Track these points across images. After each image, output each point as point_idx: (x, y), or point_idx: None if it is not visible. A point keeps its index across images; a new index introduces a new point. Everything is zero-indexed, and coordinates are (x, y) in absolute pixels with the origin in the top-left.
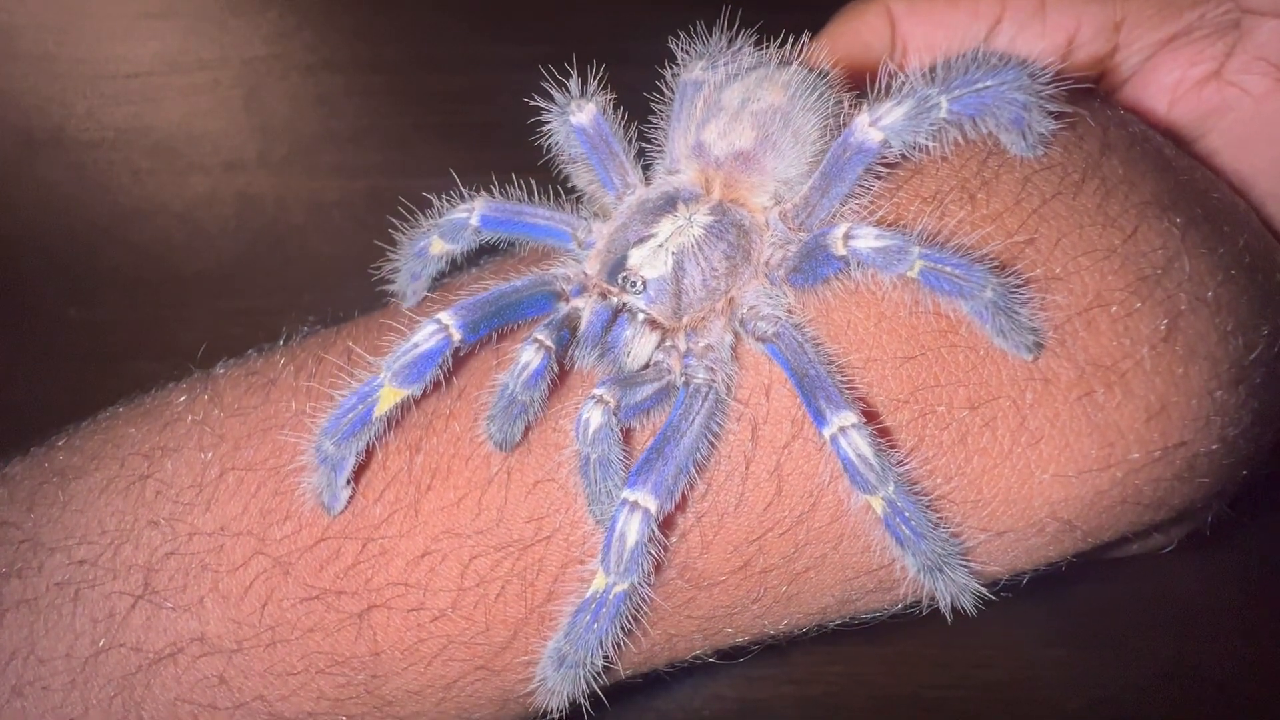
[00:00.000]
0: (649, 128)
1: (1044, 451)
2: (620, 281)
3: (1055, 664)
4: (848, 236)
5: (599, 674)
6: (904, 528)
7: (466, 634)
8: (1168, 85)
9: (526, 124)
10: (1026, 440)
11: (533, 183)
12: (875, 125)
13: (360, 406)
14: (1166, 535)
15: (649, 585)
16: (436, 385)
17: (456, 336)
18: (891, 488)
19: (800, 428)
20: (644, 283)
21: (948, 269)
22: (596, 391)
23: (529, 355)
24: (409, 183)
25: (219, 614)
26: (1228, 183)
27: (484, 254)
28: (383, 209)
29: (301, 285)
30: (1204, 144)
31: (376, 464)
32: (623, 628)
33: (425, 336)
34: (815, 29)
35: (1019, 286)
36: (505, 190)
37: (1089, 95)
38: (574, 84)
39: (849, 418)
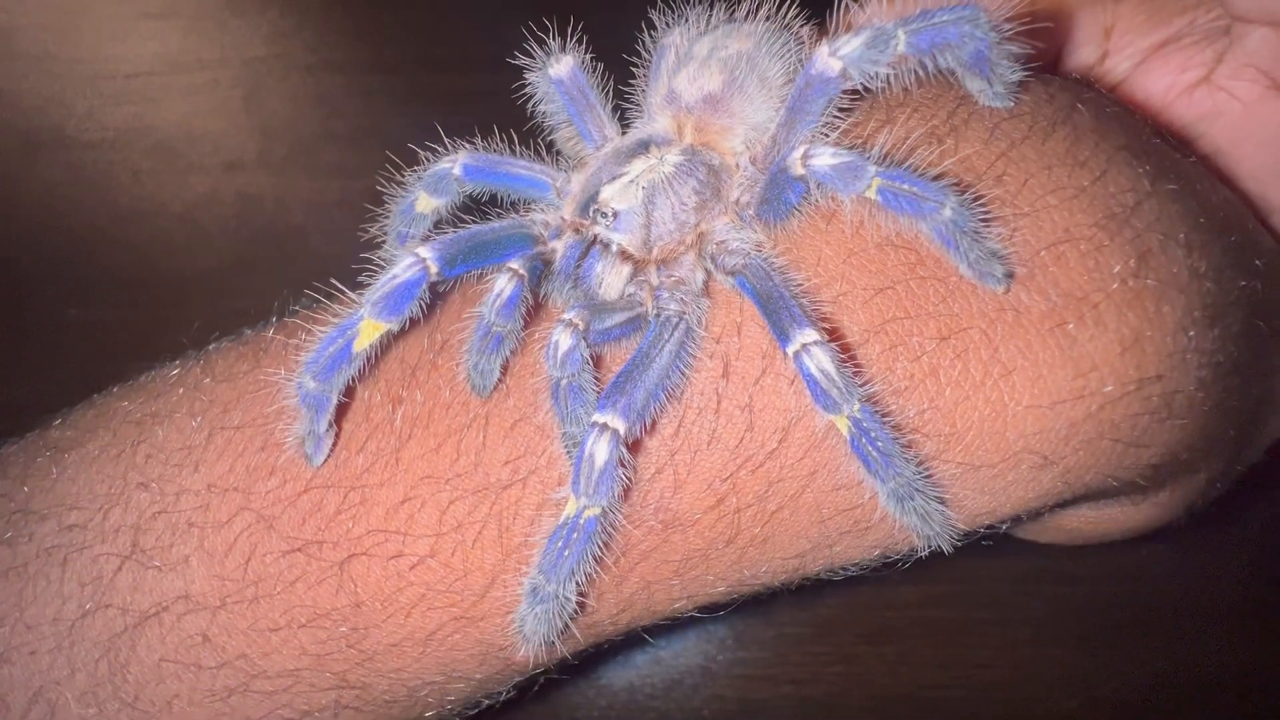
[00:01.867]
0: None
1: (1017, 382)
2: (591, 214)
3: (1055, 664)
4: (806, 156)
5: (574, 612)
6: (871, 449)
7: (445, 581)
8: (1158, 91)
9: (526, 124)
10: (999, 371)
11: (513, 135)
12: (834, 55)
13: (340, 340)
14: (1158, 500)
15: (621, 516)
16: (419, 338)
17: (434, 269)
18: (856, 406)
19: (771, 362)
20: (614, 214)
21: (905, 186)
22: (566, 316)
23: (502, 283)
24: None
25: (203, 571)
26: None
27: (471, 219)
28: (382, 209)
29: (301, 285)
30: (1194, 150)
31: (360, 416)
32: (595, 558)
33: (403, 269)
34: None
35: (980, 205)
36: (488, 141)
37: (1045, 36)
38: (553, 41)
39: (811, 334)
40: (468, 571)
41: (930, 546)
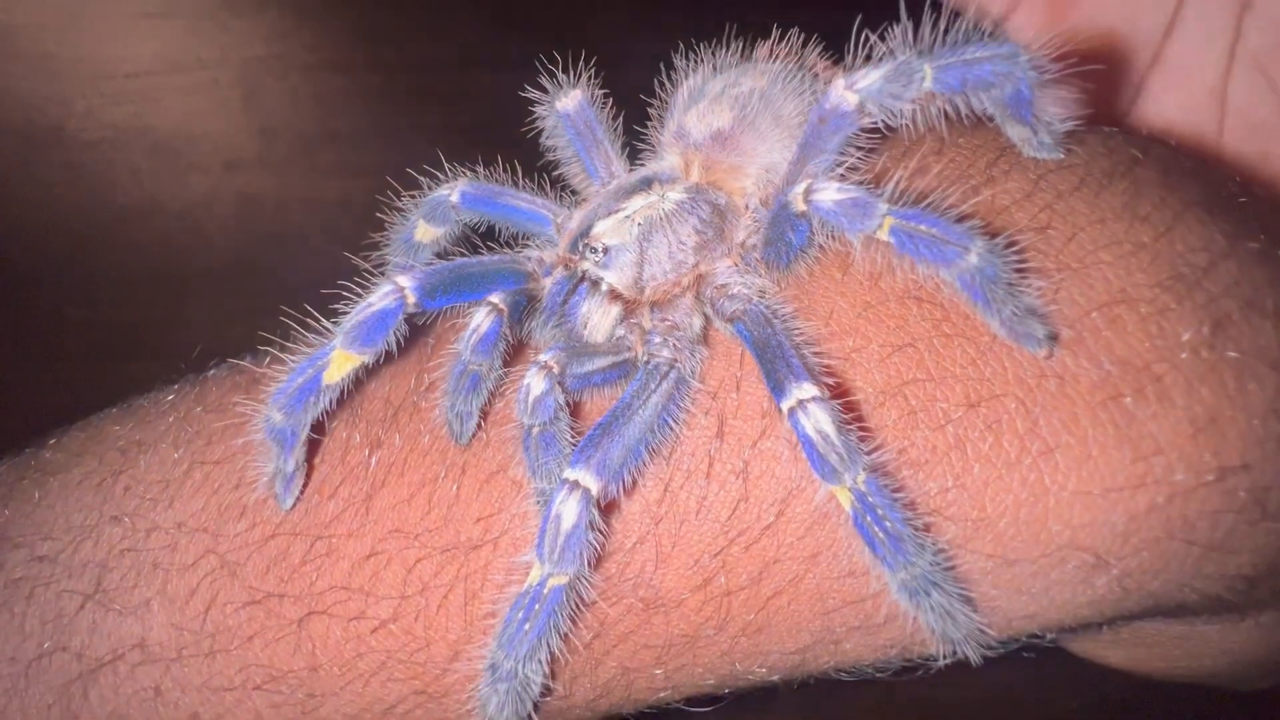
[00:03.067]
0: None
1: (1060, 462)
2: (581, 249)
3: (1056, 663)
4: (809, 191)
5: (539, 696)
6: (877, 529)
7: (406, 649)
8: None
9: (526, 124)
10: (1039, 448)
11: (516, 164)
12: (850, 88)
13: (310, 370)
14: (1251, 634)
15: (590, 586)
16: (405, 379)
17: (411, 299)
18: (860, 476)
19: (773, 423)
20: (605, 249)
21: (923, 227)
22: (541, 358)
23: (480, 318)
24: (409, 182)
25: (162, 619)
26: None
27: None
28: (382, 209)
29: (301, 285)
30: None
31: (336, 459)
32: (561, 633)
33: (379, 297)
34: (822, 30)
35: (1014, 252)
36: (490, 171)
37: (1097, 78)
38: (563, 75)
39: (809, 389)
40: (430, 641)
41: (954, 653)
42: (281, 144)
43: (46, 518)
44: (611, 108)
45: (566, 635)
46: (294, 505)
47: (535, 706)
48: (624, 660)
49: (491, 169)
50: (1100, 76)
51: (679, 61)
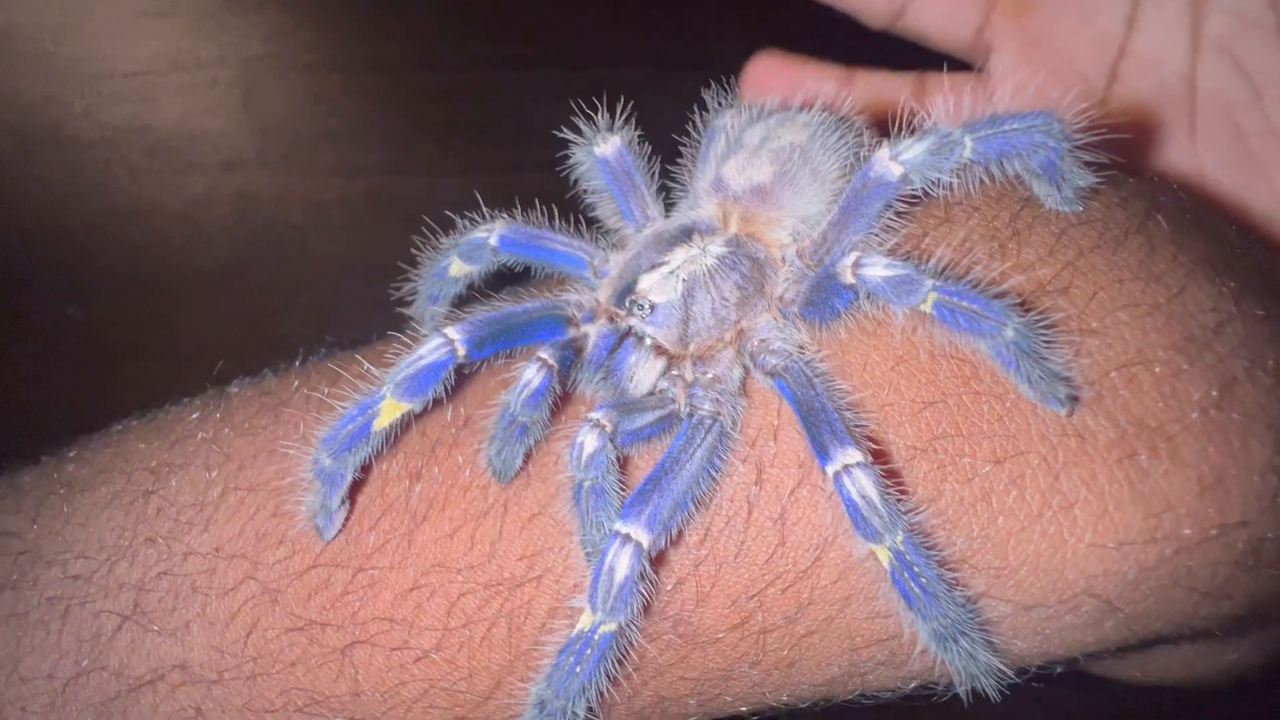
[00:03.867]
0: (653, 133)
1: (1079, 517)
2: (628, 305)
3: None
4: (857, 265)
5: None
6: (913, 585)
7: (449, 679)
8: None
9: (525, 123)
10: (1059, 503)
11: (554, 209)
12: (895, 159)
13: (360, 418)
14: (1240, 649)
15: (639, 631)
16: (441, 412)
17: (461, 351)
18: (900, 537)
19: (808, 472)
20: (651, 306)
21: (964, 303)
22: (593, 415)
23: (530, 374)
24: (409, 182)
25: (203, 641)
26: None
27: (504, 285)
28: (383, 209)
29: (301, 285)
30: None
31: (375, 490)
32: (609, 675)
33: (429, 350)
34: (808, 25)
35: (1046, 327)
36: (526, 214)
37: (1134, 170)
38: (601, 118)
39: (854, 455)
40: (473, 672)
41: (972, 689)
42: (280, 143)
43: (78, 535)
44: (641, 146)
45: (611, 676)
46: (335, 537)
47: None
48: (660, 690)
49: (528, 212)
50: (1128, 144)
51: (709, 100)
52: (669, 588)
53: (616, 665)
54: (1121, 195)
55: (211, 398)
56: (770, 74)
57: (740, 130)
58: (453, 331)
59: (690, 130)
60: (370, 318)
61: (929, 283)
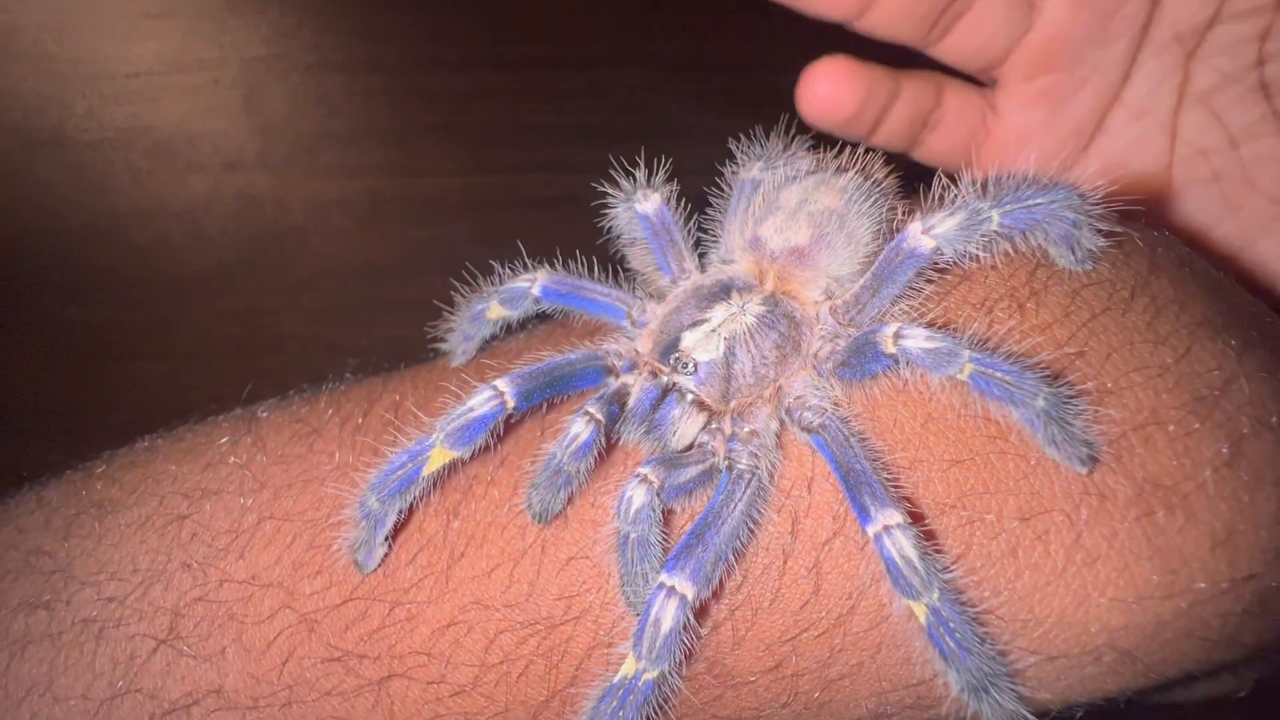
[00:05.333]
0: (653, 133)
1: (1101, 572)
2: (672, 362)
3: None
4: (898, 336)
5: None
6: (948, 640)
7: (485, 713)
8: None
9: (525, 124)
10: (1082, 559)
11: (594, 260)
12: (928, 233)
13: (410, 465)
14: (1237, 677)
15: (679, 676)
16: (482, 450)
17: (510, 404)
18: (936, 595)
19: (842, 524)
20: (695, 365)
21: (998, 374)
22: (641, 470)
23: (579, 427)
24: (409, 182)
25: (239, 667)
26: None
27: (533, 318)
28: (383, 209)
29: (301, 285)
30: (1254, 252)
31: (413, 526)
32: (647, 719)
33: (480, 402)
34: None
35: (1072, 397)
36: (567, 265)
37: (1134, 216)
38: (640, 174)
39: (894, 516)
40: (509, 707)
41: None
42: (281, 144)
43: (111, 557)
44: (678, 203)
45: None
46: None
47: None
48: None
49: (570, 263)
50: (1140, 213)
51: (737, 150)
52: (705, 631)
53: (657, 711)
54: (1125, 252)
55: (241, 420)
56: (838, 81)
57: (777, 189)
58: (502, 384)
59: (720, 182)
60: (370, 318)
61: (966, 354)
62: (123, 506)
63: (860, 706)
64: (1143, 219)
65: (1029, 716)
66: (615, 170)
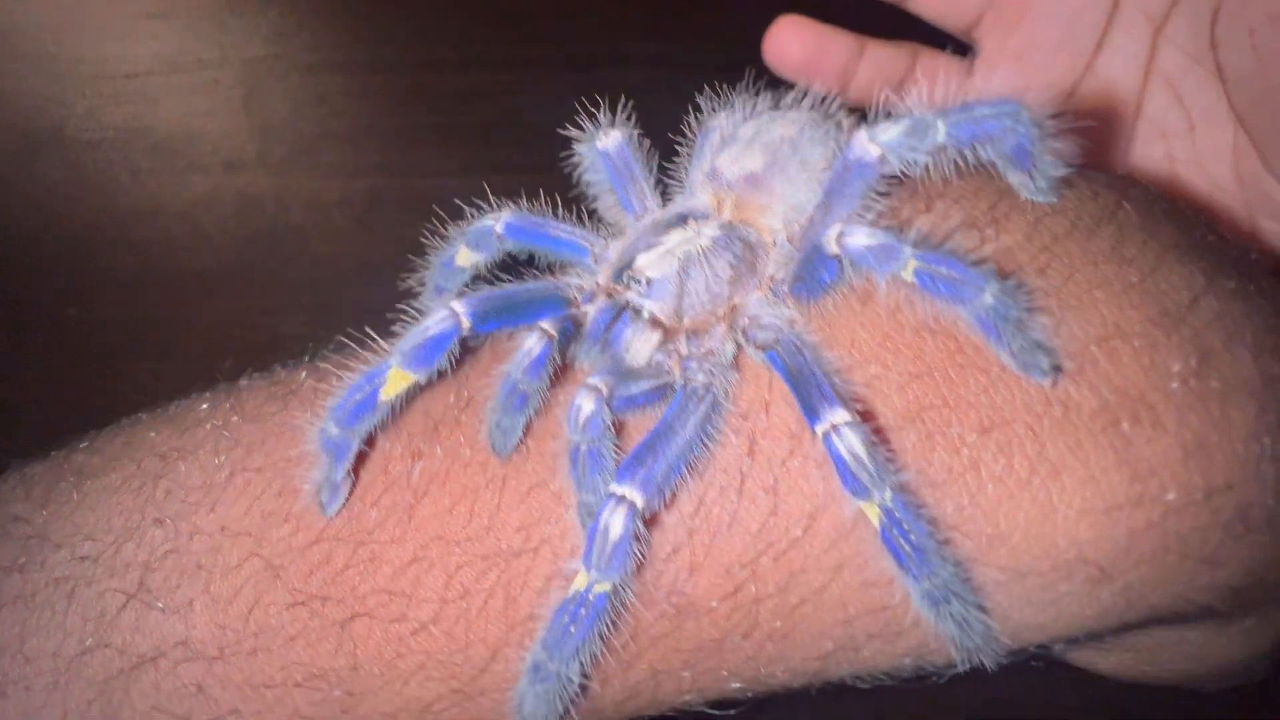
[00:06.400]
0: (652, 132)
1: (1067, 483)
2: (626, 280)
3: (1057, 664)
4: (840, 236)
5: (576, 695)
6: (902, 541)
7: (445, 650)
8: None
9: (525, 124)
10: (1047, 470)
11: (557, 198)
12: (873, 140)
13: (367, 387)
14: (1245, 638)
15: (632, 593)
16: (445, 394)
17: (465, 324)
18: (888, 494)
19: (799, 443)
20: (648, 281)
21: (943, 269)
22: (591, 380)
23: (531, 342)
24: (409, 183)
25: (206, 618)
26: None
27: (503, 270)
28: (383, 209)
29: (301, 285)
30: (1259, 245)
31: (378, 468)
32: (603, 637)
33: (435, 321)
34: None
35: (1024, 293)
36: (532, 204)
37: (1084, 134)
38: (603, 115)
39: (842, 414)
40: (470, 643)
41: (970, 661)
42: (281, 144)
43: (87, 519)
44: (640, 142)
45: (605, 639)
46: (337, 513)
47: (570, 705)
48: (654, 663)
49: (533, 202)
50: (1093, 131)
51: (704, 103)
52: (664, 556)
53: (611, 627)
54: (1093, 189)
55: (222, 390)
56: (792, 35)
57: (734, 127)
58: (457, 304)
59: (686, 130)
60: (371, 318)
61: (909, 250)
62: (101, 473)
63: (826, 637)
64: (1097, 143)
65: (995, 628)
66: (580, 116)
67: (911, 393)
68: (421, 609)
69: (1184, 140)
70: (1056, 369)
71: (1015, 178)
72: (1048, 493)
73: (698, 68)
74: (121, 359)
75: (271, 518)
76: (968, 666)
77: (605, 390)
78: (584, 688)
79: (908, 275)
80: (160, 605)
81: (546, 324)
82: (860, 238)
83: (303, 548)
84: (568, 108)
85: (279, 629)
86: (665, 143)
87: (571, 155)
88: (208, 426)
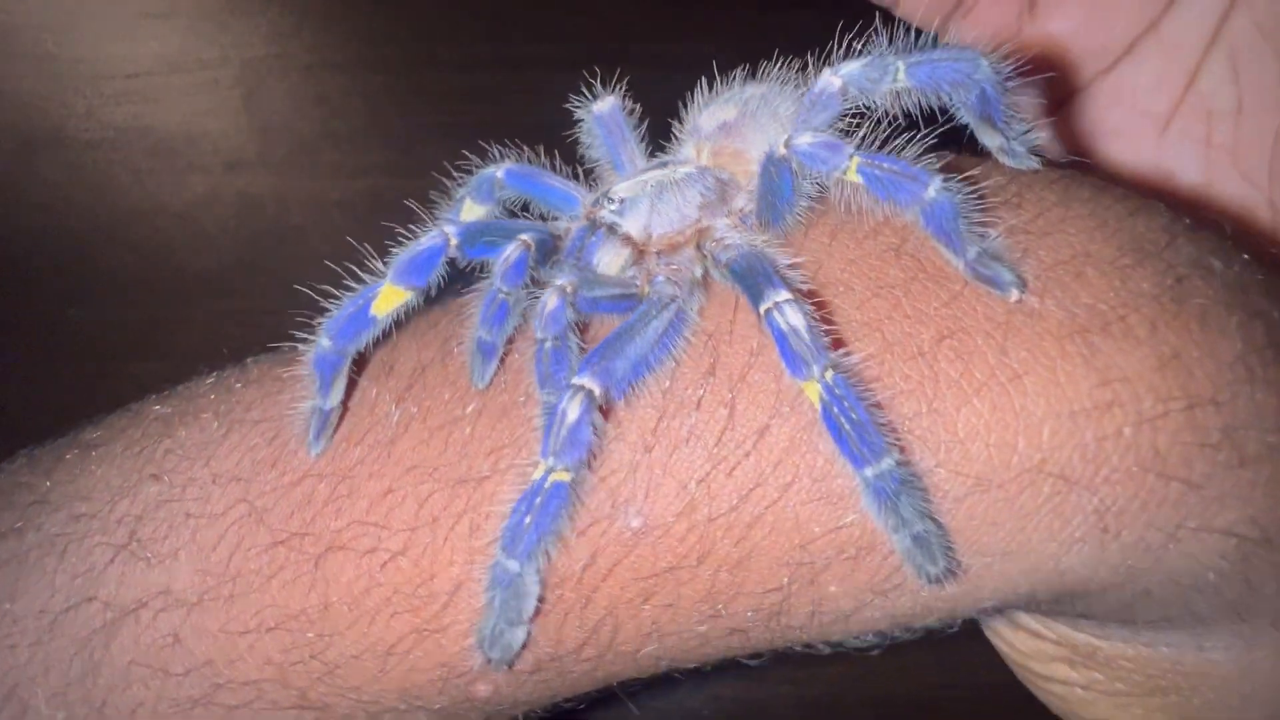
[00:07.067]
0: (653, 131)
1: (1029, 386)
2: (600, 202)
3: None
4: (788, 141)
5: (536, 607)
6: (843, 419)
7: (411, 583)
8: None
9: (526, 124)
10: (1007, 375)
11: (556, 154)
12: (835, 74)
13: (361, 302)
14: (1253, 644)
15: (588, 487)
16: (433, 340)
17: (454, 242)
18: (829, 371)
19: (758, 357)
20: (620, 201)
21: (885, 165)
22: (558, 281)
23: (510, 249)
24: (410, 183)
25: (189, 565)
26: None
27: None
28: (383, 209)
29: (301, 285)
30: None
31: (364, 411)
32: (559, 534)
33: (427, 239)
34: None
35: (970, 188)
36: (531, 157)
37: (1045, 86)
38: (600, 88)
39: (784, 294)
40: (434, 574)
41: (930, 581)
42: (282, 144)
43: (86, 483)
44: (634, 112)
45: (563, 538)
46: (323, 452)
47: (529, 625)
48: (612, 595)
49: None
50: (1052, 83)
51: (697, 93)
52: (623, 472)
53: (568, 520)
54: (1076, 169)
55: (230, 367)
56: None
57: (717, 94)
58: (448, 226)
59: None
60: None
61: (850, 148)
62: (105, 443)
63: (781, 565)
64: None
65: (949, 538)
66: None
67: (871, 307)
68: (393, 539)
69: (1228, 123)
70: (1019, 284)
71: (991, 139)
72: (1008, 396)
73: (697, 69)
74: (121, 359)
75: (262, 464)
76: (928, 585)
77: (570, 289)
78: (542, 598)
79: (853, 175)
80: (148, 555)
81: (526, 235)
82: (805, 138)
83: (287, 487)
84: (568, 109)
85: (257, 570)
86: (666, 142)
87: (572, 155)
88: (211, 396)
